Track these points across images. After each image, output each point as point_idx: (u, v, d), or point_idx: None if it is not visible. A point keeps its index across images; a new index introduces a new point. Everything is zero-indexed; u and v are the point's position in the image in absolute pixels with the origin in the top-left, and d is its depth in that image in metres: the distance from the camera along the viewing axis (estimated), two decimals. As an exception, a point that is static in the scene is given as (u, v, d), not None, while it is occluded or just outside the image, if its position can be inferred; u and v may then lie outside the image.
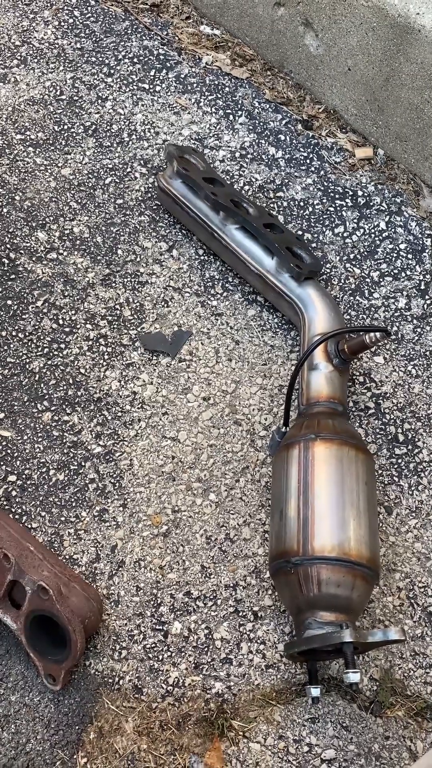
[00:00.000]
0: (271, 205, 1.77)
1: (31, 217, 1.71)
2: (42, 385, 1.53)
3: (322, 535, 1.20)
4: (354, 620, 1.20)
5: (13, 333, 1.58)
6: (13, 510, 1.41)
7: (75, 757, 1.23)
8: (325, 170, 1.83)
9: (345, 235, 1.74)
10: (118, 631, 1.32)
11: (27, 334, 1.58)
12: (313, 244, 1.72)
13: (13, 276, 1.64)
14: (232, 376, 1.57)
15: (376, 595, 1.36)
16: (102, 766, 1.22)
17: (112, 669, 1.29)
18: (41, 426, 1.49)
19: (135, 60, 1.97)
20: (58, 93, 1.90)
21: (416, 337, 1.62)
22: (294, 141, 1.87)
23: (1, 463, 1.45)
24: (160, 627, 1.33)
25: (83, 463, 1.46)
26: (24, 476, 1.44)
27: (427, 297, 1.66)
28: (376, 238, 1.73)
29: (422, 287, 1.67)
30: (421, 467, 1.48)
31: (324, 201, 1.78)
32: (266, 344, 1.61)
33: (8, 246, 1.67)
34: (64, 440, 1.48)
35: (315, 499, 1.23)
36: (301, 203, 1.78)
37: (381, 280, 1.68)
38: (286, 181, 1.81)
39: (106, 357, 1.57)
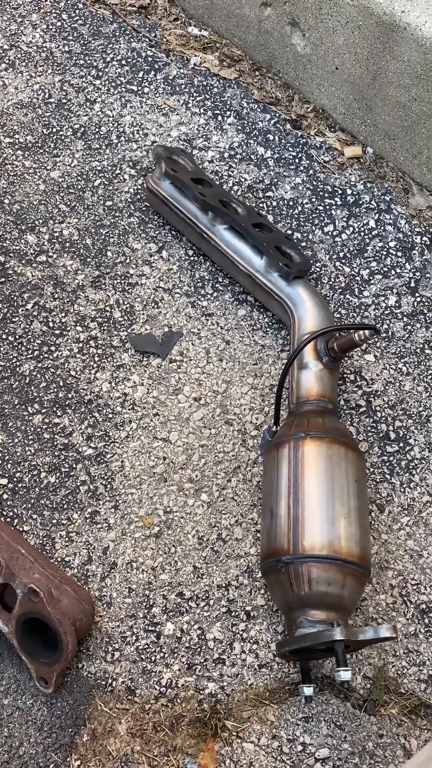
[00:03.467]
0: (261, 205, 1.77)
1: (21, 220, 1.71)
2: (32, 387, 1.53)
3: (312, 534, 1.19)
4: (346, 618, 1.20)
5: (3, 336, 1.58)
6: (5, 513, 1.41)
7: (68, 759, 1.23)
8: (314, 169, 1.83)
9: (335, 233, 1.74)
10: (111, 633, 1.32)
11: (17, 337, 1.58)
12: (303, 244, 1.72)
13: (2, 279, 1.64)
14: (223, 376, 1.57)
15: (369, 593, 1.36)
16: (95, 769, 1.22)
17: (105, 671, 1.29)
18: (32, 429, 1.49)
19: (123, 62, 1.97)
20: (46, 96, 1.90)
21: (406, 335, 1.62)
22: (283, 141, 1.87)
23: (-8, 467, 1.45)
24: (153, 628, 1.33)
25: (74, 466, 1.46)
26: (15, 479, 1.44)
27: (416, 294, 1.66)
28: (366, 237, 1.73)
29: (412, 285, 1.67)
30: (413, 464, 1.48)
31: (313, 200, 1.78)
32: (257, 344, 1.61)
33: (-2, 249, 1.67)
34: (55, 443, 1.48)
35: (305, 498, 1.23)
36: (291, 203, 1.78)
37: (371, 278, 1.68)
38: (276, 180, 1.81)
39: (96, 359, 1.57)
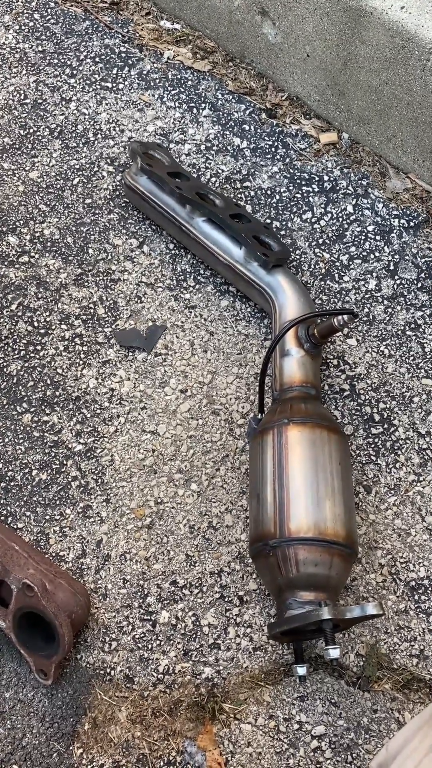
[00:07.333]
0: (239, 196, 1.78)
1: (1, 222, 1.73)
2: (20, 387, 1.55)
3: (297, 517, 1.22)
4: (335, 598, 1.23)
5: (-10, 338, 1.60)
6: (-2, 512, 1.43)
7: (71, 748, 1.26)
8: (290, 157, 1.84)
9: (313, 220, 1.75)
10: (107, 624, 1.35)
11: (3, 338, 1.60)
12: (282, 232, 1.74)
13: (-14, 281, 1.66)
14: (208, 367, 1.59)
15: (359, 572, 1.39)
16: (98, 756, 1.25)
17: (103, 661, 1.32)
18: (22, 428, 1.51)
19: (97, 59, 1.98)
20: (22, 97, 1.91)
21: (387, 317, 1.64)
22: (258, 130, 1.88)
23: (-16, 467, 1.47)
24: (148, 617, 1.35)
25: (65, 462, 1.48)
26: (7, 478, 1.46)
27: (396, 277, 1.68)
28: (344, 222, 1.75)
29: (391, 267, 1.69)
30: (398, 445, 1.51)
31: (291, 188, 1.80)
32: (240, 333, 1.62)
33: (-20, 252, 1.69)
34: (45, 440, 1.50)
35: (290, 482, 1.25)
36: (268, 192, 1.79)
37: (350, 263, 1.70)
38: (252, 170, 1.82)
39: (82, 356, 1.59)
